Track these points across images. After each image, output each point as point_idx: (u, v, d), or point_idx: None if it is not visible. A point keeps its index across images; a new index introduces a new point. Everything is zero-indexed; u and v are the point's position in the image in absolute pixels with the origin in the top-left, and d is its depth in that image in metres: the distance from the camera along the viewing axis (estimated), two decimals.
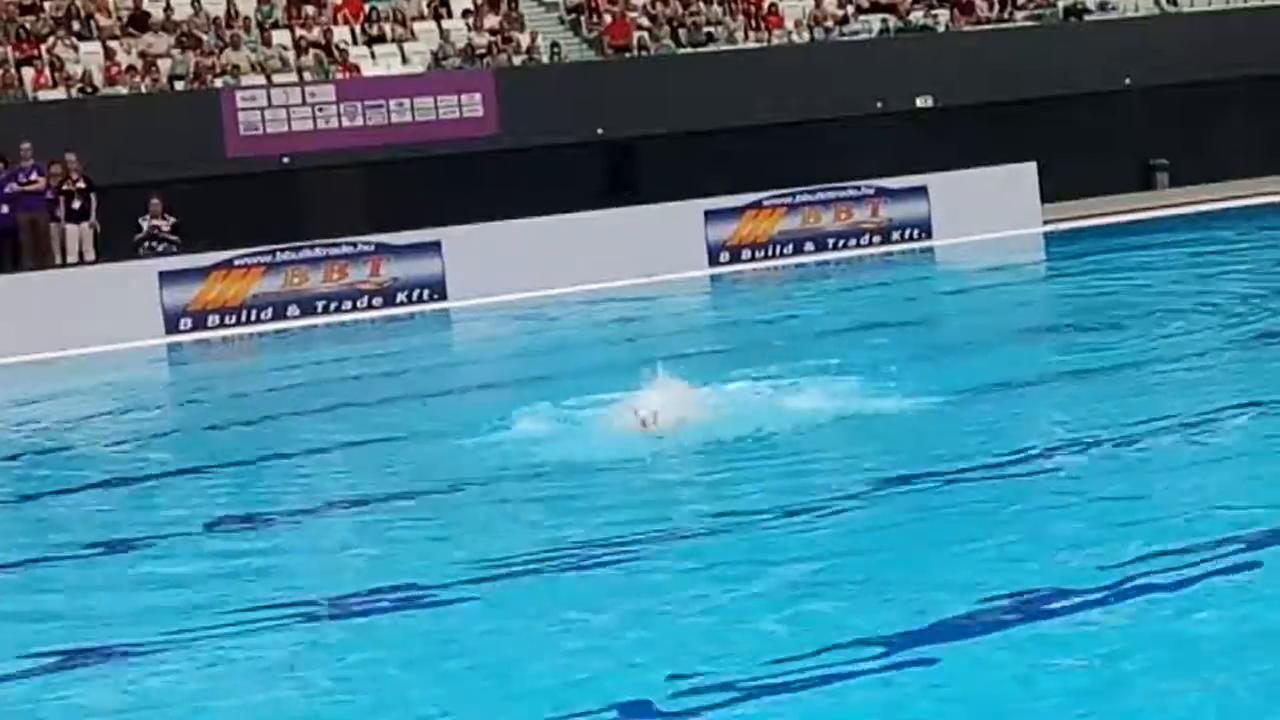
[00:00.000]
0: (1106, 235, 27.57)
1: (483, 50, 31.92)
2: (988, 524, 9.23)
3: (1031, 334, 17.58)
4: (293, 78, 30.19)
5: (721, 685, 6.85)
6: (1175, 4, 37.05)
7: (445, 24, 32.88)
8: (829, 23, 34.64)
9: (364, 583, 9.00)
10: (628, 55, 33.00)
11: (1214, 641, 6.96)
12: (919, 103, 32.97)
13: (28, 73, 29.28)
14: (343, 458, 13.40)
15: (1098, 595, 7.63)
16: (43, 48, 29.71)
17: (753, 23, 34.37)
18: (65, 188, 25.97)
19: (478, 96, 30.26)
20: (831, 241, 28.36)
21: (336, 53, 31.16)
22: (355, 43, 31.93)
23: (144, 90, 29.39)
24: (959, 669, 6.90)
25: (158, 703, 7.31)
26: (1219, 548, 8.20)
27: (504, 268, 25.41)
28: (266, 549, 10.12)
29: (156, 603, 8.92)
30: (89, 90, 29.08)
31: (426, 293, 25.60)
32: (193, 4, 31.42)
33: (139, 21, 30.85)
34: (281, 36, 31.31)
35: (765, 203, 28.03)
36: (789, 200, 28.20)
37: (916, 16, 35.17)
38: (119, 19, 30.94)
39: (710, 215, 27.55)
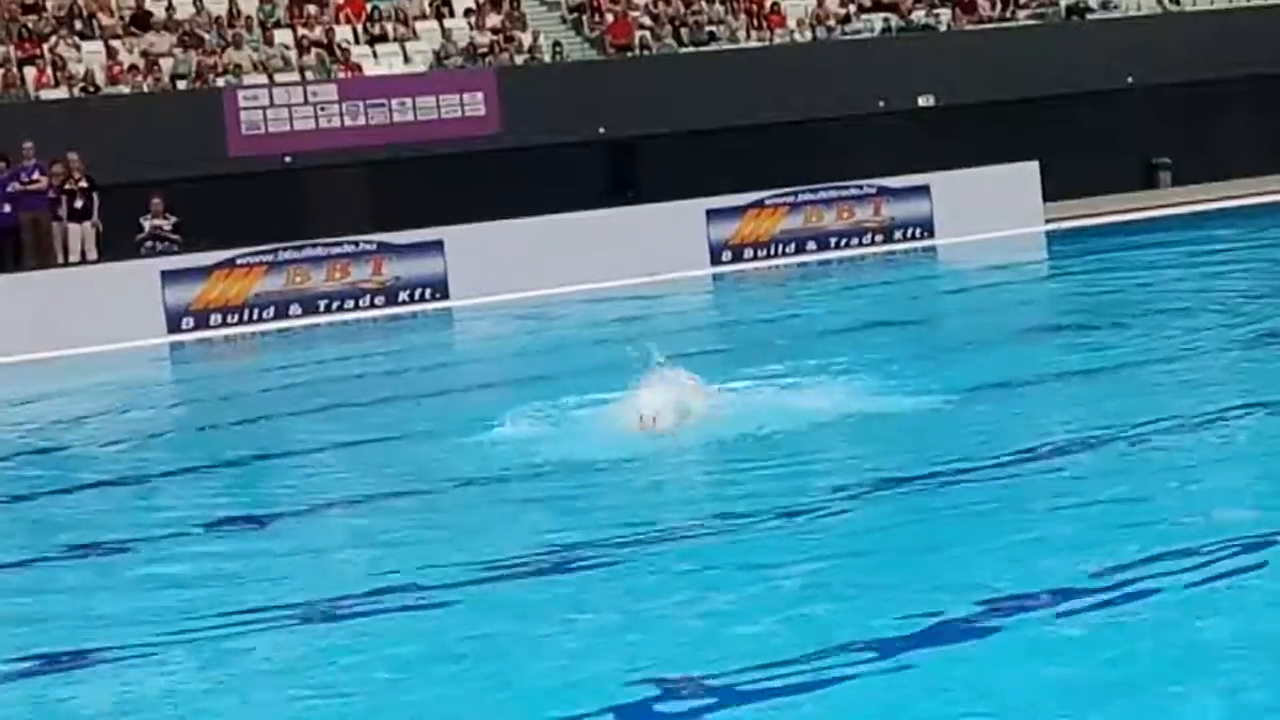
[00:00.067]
0: (1109, 234, 27.56)
1: (485, 49, 31.93)
2: (989, 525, 9.21)
3: (1033, 333, 17.55)
4: (295, 77, 30.20)
5: (719, 687, 6.84)
6: (1178, 3, 37.04)
7: (447, 23, 32.89)
8: (831, 22, 34.64)
9: (360, 584, 8.96)
10: (630, 54, 33.00)
11: (1220, 643, 6.93)
12: (921, 102, 32.97)
13: (30, 72, 29.30)
14: (342, 457, 13.37)
15: (1100, 597, 7.61)
16: (45, 47, 29.73)
17: (755, 22, 34.38)
18: (67, 187, 26.00)
19: (480, 96, 30.28)
20: (833, 241, 28.37)
21: (339, 52, 31.17)
22: (357, 42, 31.94)
23: (146, 89, 29.41)
24: (959, 671, 6.88)
25: (149, 706, 7.28)
26: (1224, 548, 8.18)
27: (506, 267, 25.42)
28: (263, 550, 10.08)
29: (150, 604, 8.88)
30: (91, 89, 29.09)
31: (428, 292, 25.61)
32: (195, 3, 31.45)
33: (141, 21, 30.87)
34: (284, 36, 31.32)
35: (767, 202, 28.03)
36: (791, 199, 28.20)
37: (918, 15, 35.17)
38: (121, 18, 30.96)
39: (712, 214, 27.56)
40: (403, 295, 25.49)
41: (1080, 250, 25.90)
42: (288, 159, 28.93)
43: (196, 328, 24.46)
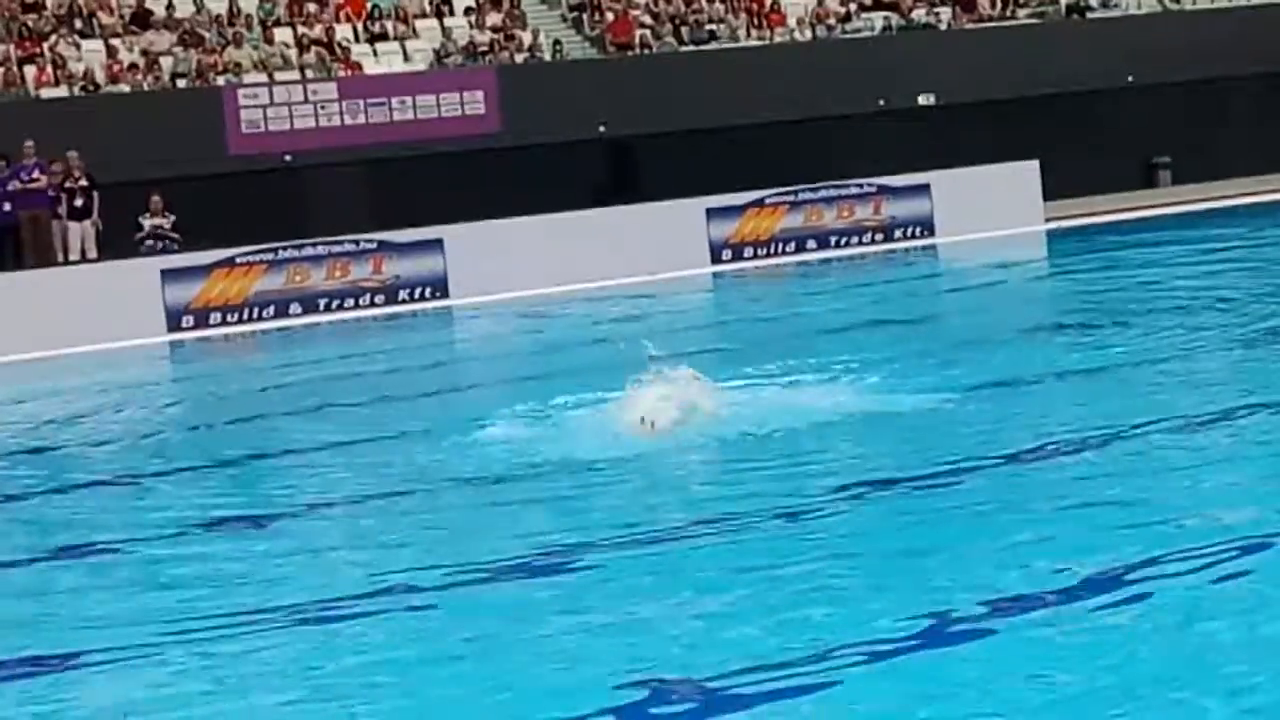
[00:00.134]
0: (1109, 233, 27.55)
1: (485, 48, 31.92)
2: (990, 525, 9.19)
3: (1034, 332, 17.54)
4: (295, 75, 30.20)
5: (718, 689, 6.82)
6: (1178, 1, 37.03)
7: (447, 21, 32.89)
8: (831, 20, 34.64)
9: (358, 585, 8.93)
10: (630, 53, 32.99)
11: (1223, 645, 6.92)
12: (921, 100, 32.96)
13: (30, 70, 29.30)
14: (340, 457, 13.30)
15: (1101, 598, 7.60)
16: (45, 45, 29.72)
17: (755, 21, 34.37)
18: (67, 185, 26.01)
19: (480, 94, 30.27)
20: (834, 239, 28.37)
21: (339, 50, 31.17)
22: (357, 40, 31.94)
23: (146, 88, 29.40)
24: (960, 673, 6.86)
25: (143, 709, 7.26)
26: (1226, 549, 8.16)
27: (506, 265, 25.41)
28: (261, 550, 10.04)
29: (145, 605, 8.86)
30: (91, 88, 29.09)
31: (428, 290, 25.61)
32: (195, 2, 31.46)
33: (141, 19, 30.86)
34: (284, 34, 31.32)
35: (767, 201, 28.02)
36: (791, 198, 28.20)
37: (919, 14, 35.17)
38: (121, 17, 30.96)
39: (712, 213, 27.55)
40: (403, 294, 25.49)
41: (1080, 249, 25.90)
42: (288, 157, 28.93)
43: (196, 326, 24.46)
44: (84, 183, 26.05)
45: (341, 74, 30.51)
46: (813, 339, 18.07)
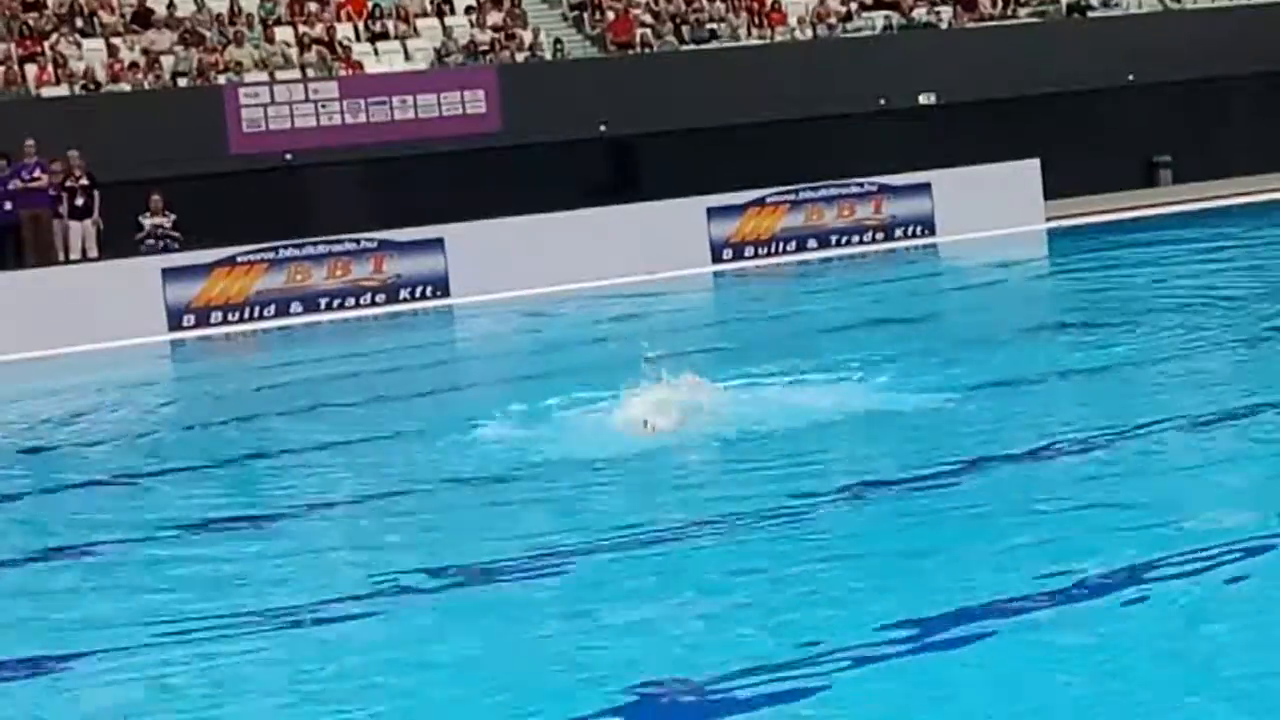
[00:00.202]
0: (1109, 232, 27.54)
1: (486, 47, 31.92)
2: (990, 526, 9.17)
3: (1034, 331, 17.54)
4: (296, 74, 30.20)
5: (717, 691, 6.81)
6: (1179, 1, 37.02)
7: (448, 21, 32.89)
8: (832, 20, 34.64)
9: (355, 586, 8.89)
10: (631, 52, 32.99)
11: (1225, 647, 6.90)
12: (922, 99, 32.96)
13: (31, 69, 29.30)
14: (339, 457, 13.25)
15: (1103, 600, 7.59)
16: (46, 44, 29.72)
17: (756, 20, 34.37)
18: (68, 184, 26.01)
19: (481, 93, 30.27)
20: (834, 238, 28.36)
21: (340, 49, 31.17)
22: (358, 39, 31.94)
23: (147, 87, 29.40)
24: (959, 676, 6.85)
25: (137, 712, 7.25)
26: (1228, 550, 8.15)
27: (507, 264, 25.41)
28: (258, 551, 9.98)
29: (141, 606, 8.82)
30: (92, 87, 29.09)
31: (429, 289, 25.61)
32: (196, 1, 31.44)
33: (142, 18, 30.86)
34: (284, 33, 31.32)
35: (768, 200, 28.02)
36: (792, 197, 28.19)
37: (920, 13, 35.17)
38: (122, 16, 30.96)
39: (713, 212, 27.55)
40: (403, 293, 25.49)
41: (1081, 248, 25.89)
42: (289, 156, 28.93)
43: (197, 325, 24.46)
44: (85, 182, 26.05)
45: (342, 73, 30.52)
46: (813, 338, 18.07)
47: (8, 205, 25.66)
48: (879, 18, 34.99)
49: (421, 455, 12.72)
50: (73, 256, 25.92)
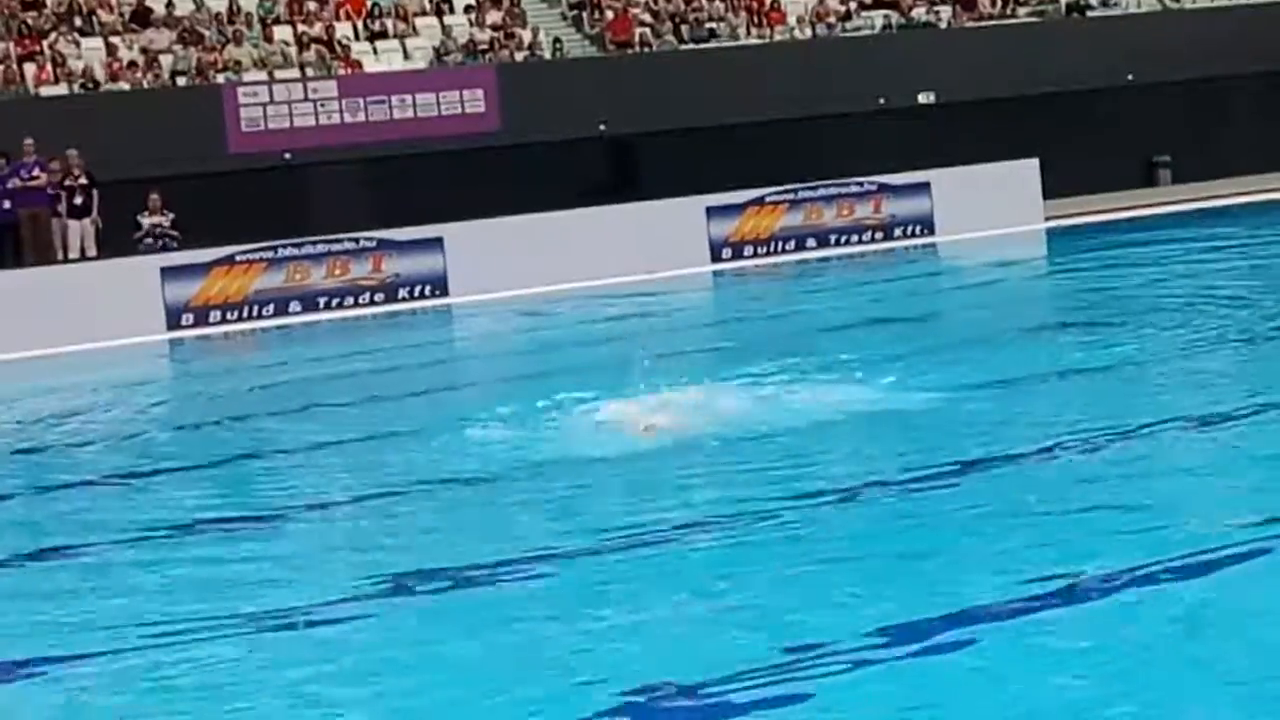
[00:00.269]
0: (1109, 232, 27.53)
1: (485, 46, 31.91)
2: (990, 528, 9.15)
3: (1034, 331, 17.54)
4: (295, 74, 30.18)
5: (710, 695, 6.79)
6: (1178, 0, 37.02)
7: (447, 20, 32.88)
8: (831, 19, 34.63)
9: (346, 588, 8.85)
10: (630, 51, 32.98)
11: (1226, 650, 6.88)
12: (921, 99, 32.95)
13: (29, 68, 29.29)
14: (335, 457, 13.19)
15: (1104, 601, 7.57)
16: (45, 43, 29.71)
17: (755, 19, 34.37)
18: (67, 183, 25.99)
19: (480, 92, 30.26)
20: (834, 238, 28.35)
21: (339, 48, 31.15)
22: (357, 38, 31.93)
23: (146, 86, 29.38)
24: (956, 679, 6.82)
25: (134, 713, 7.23)
26: (1231, 552, 8.12)
27: (505, 264, 25.40)
28: (251, 553, 9.94)
29: (135, 608, 8.80)
30: (91, 86, 29.08)
31: (428, 288, 25.59)
32: (194, 0, 31.42)
33: (141, 17, 30.85)
34: (283, 32, 31.30)
35: (767, 199, 28.00)
36: (791, 196, 28.18)
37: (919, 13, 35.16)
38: (121, 15, 30.94)
39: (712, 211, 27.53)
40: (402, 292, 25.48)
41: (1080, 248, 25.88)
42: (288, 156, 28.92)
43: (196, 324, 24.44)
44: (84, 181, 26.03)
45: (341, 72, 30.51)
46: (813, 338, 18.05)
47: (6, 204, 25.64)
48: (878, 17, 34.98)
49: (418, 455, 12.70)
50: (71, 255, 25.90)
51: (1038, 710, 6.42)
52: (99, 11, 30.76)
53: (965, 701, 6.56)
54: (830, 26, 34.53)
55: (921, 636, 7.23)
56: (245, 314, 24.72)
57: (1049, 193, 29.24)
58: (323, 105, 29.34)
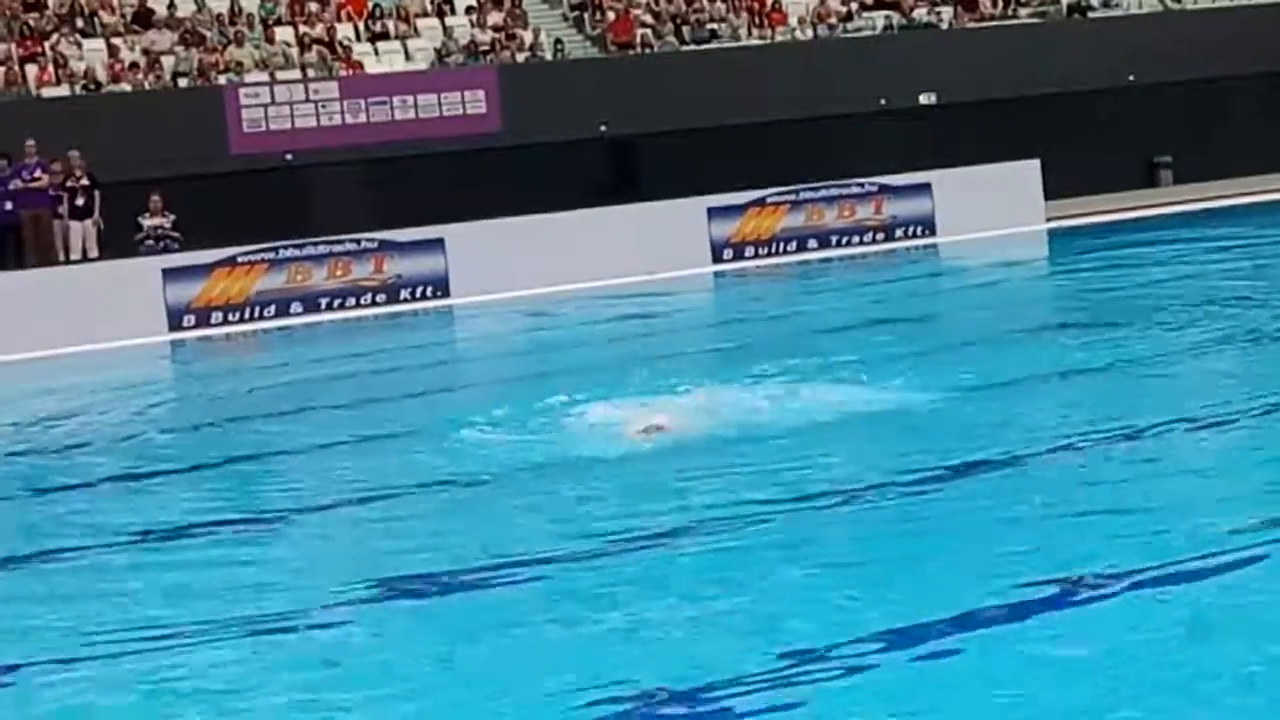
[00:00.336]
0: (1110, 233, 27.53)
1: (486, 47, 31.92)
2: (988, 531, 9.14)
3: (1035, 331, 17.54)
4: (296, 75, 30.20)
5: (701, 700, 6.78)
6: (1179, 1, 37.02)
7: (449, 21, 32.89)
8: (832, 20, 34.63)
9: (335, 593, 8.83)
10: (631, 52, 32.99)
11: (1229, 650, 6.88)
12: (922, 100, 32.95)
13: (31, 70, 29.31)
14: (331, 459, 13.11)
15: (1104, 605, 7.56)
16: (46, 45, 29.73)
17: (756, 20, 34.37)
18: (69, 184, 26.01)
19: (481, 93, 30.28)
20: (835, 239, 28.35)
21: (340, 49, 31.16)
22: (359, 39, 31.94)
23: (148, 87, 29.40)
24: (948, 685, 6.81)
25: (130, 716, 7.23)
26: (1231, 555, 8.11)
27: (507, 265, 25.41)
28: (242, 556, 9.92)
29: (129, 610, 8.79)
30: (93, 87, 29.10)
31: (430, 289, 25.60)
32: (196, 1, 31.44)
33: (143, 18, 30.86)
34: (285, 33, 31.32)
35: (769, 200, 28.01)
36: (792, 197, 28.18)
37: (920, 13, 35.16)
38: (123, 16, 30.96)
39: (713, 212, 27.54)
40: (404, 293, 25.48)
41: (1081, 249, 25.88)
42: (289, 157, 28.94)
43: (198, 326, 24.45)
44: (85, 182, 26.05)
45: (343, 73, 30.52)
46: (813, 339, 18.05)
47: (8, 205, 25.66)
48: (879, 18, 34.98)
49: (417, 457, 12.68)
50: (73, 257, 25.91)
51: (1037, 716, 6.40)
52: (101, 13, 30.78)
53: (964, 707, 6.55)
54: (831, 27, 34.54)
55: (919, 641, 7.21)
56: (247, 315, 24.73)
57: (1050, 193, 29.24)
58: (324, 106, 29.36)
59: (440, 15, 33.02)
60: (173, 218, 26.36)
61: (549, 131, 29.78)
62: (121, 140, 27.23)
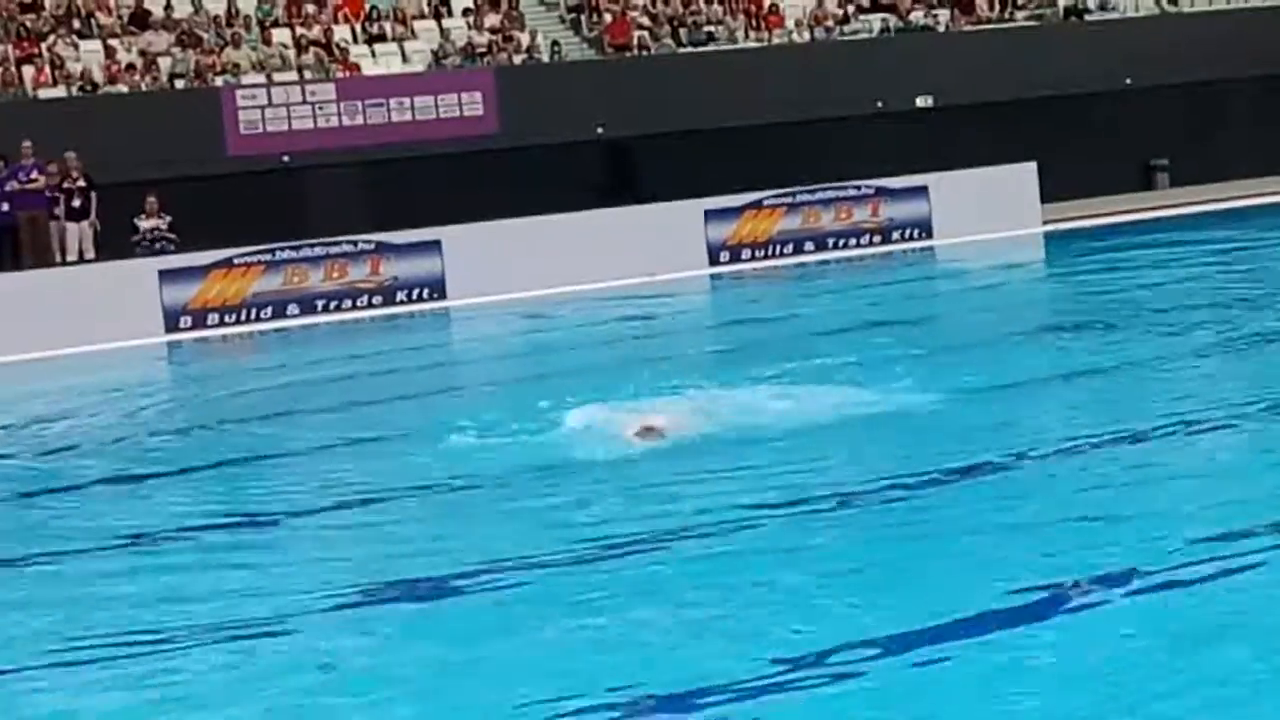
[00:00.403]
0: (1106, 235, 27.54)
1: (483, 49, 31.91)
2: (987, 533, 9.14)
3: (1032, 334, 17.54)
4: (293, 76, 30.17)
5: (687, 705, 6.76)
6: (1175, 4, 37.03)
7: (446, 23, 32.87)
8: (829, 22, 34.62)
9: (334, 596, 8.82)
10: (628, 54, 32.98)
11: (1231, 654, 6.86)
12: (919, 102, 32.94)
13: (28, 71, 29.27)
14: (323, 461, 13.14)
15: (1103, 609, 7.55)
16: (43, 46, 29.70)
17: (753, 22, 34.36)
18: (65, 186, 25.98)
19: (478, 95, 30.26)
20: (831, 241, 28.34)
21: (337, 51, 31.14)
22: (356, 41, 31.92)
23: (144, 89, 29.38)
24: (948, 687, 6.80)
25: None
26: (1231, 557, 8.10)
27: (503, 267, 25.40)
28: (236, 559, 9.90)
29: (127, 612, 8.77)
30: (89, 88, 29.07)
31: (426, 291, 25.58)
32: (193, 2, 31.42)
33: (139, 20, 30.84)
34: (282, 35, 31.30)
35: (765, 202, 28.00)
36: (789, 200, 28.18)
37: (917, 16, 35.15)
38: (119, 17, 30.93)
39: (710, 215, 27.53)
40: (400, 295, 25.46)
41: (1078, 251, 25.89)
42: (286, 158, 28.91)
43: (194, 327, 24.43)
44: (82, 183, 26.02)
45: (340, 75, 30.50)
46: (810, 341, 18.04)
47: (5, 207, 25.64)
48: (876, 20, 34.97)
49: (411, 460, 12.65)
50: (70, 258, 25.88)
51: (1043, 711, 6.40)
52: (97, 14, 30.76)
53: (961, 714, 6.54)
54: (828, 30, 34.53)
55: (915, 646, 7.20)
56: (243, 317, 24.71)
57: (1047, 196, 29.24)
58: (321, 108, 29.34)
59: (437, 17, 33.01)
60: (169, 219, 26.34)
61: (546, 133, 29.77)
62: (118, 142, 27.21)
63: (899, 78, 32.62)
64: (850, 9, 35.09)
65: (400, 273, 25.51)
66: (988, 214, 28.07)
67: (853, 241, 28.43)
